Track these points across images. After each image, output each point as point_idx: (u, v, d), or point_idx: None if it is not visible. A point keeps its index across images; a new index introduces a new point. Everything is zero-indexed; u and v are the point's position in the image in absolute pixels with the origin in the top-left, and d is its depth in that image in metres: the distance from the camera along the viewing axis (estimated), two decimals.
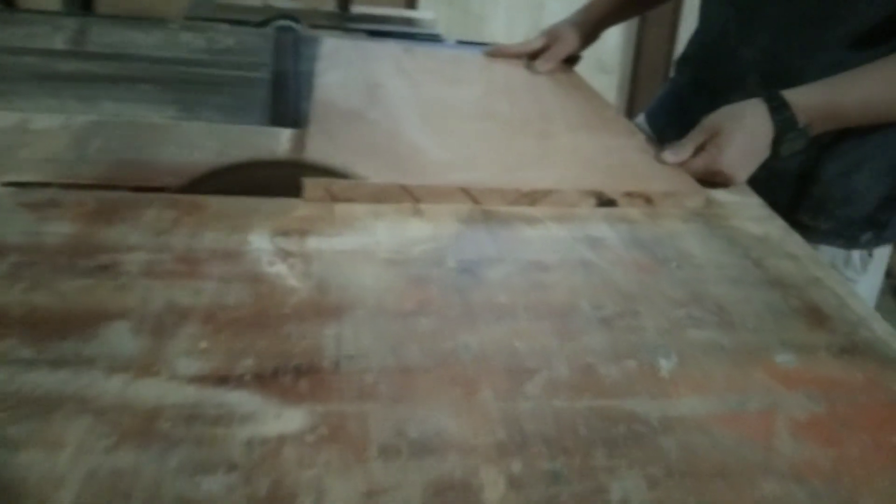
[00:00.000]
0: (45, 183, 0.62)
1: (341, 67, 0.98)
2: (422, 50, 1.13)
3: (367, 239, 0.60)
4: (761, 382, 0.50)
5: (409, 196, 0.66)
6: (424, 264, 0.57)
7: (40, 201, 0.59)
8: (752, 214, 0.72)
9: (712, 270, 0.61)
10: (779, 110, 0.76)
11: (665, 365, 0.50)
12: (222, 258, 0.55)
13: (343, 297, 0.53)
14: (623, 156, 0.79)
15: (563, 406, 0.45)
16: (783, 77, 0.82)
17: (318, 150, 0.70)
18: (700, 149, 0.78)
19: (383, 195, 0.65)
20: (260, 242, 0.58)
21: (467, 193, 0.67)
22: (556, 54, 1.10)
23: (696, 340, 0.53)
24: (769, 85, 0.80)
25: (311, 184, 0.64)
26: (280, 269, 0.55)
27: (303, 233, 0.60)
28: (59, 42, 1.04)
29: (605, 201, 0.70)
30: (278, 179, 0.64)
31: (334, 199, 0.64)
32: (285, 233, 0.59)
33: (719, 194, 0.76)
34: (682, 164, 0.77)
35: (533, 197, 0.68)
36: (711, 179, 0.77)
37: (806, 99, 0.76)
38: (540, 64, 1.08)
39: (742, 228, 0.69)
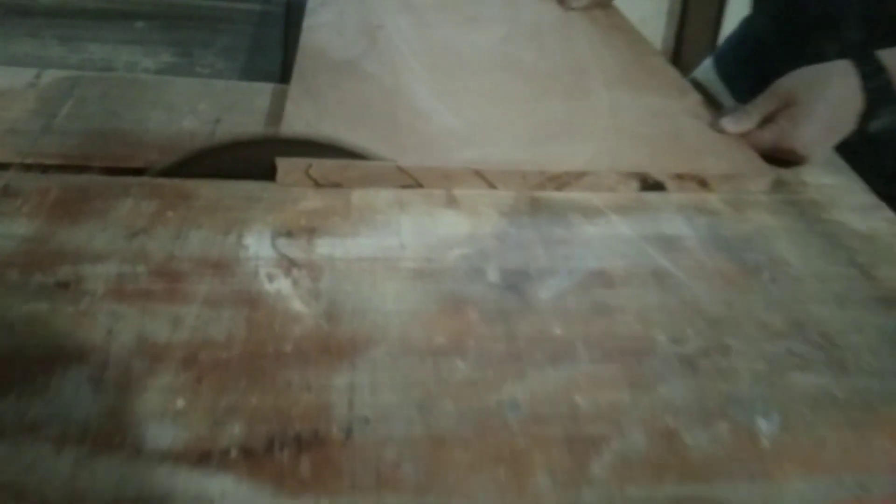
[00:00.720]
0: (2, 164, 0.51)
1: (336, 2, 0.82)
2: None
3: (389, 240, 0.49)
4: (887, 453, 0.39)
5: (407, 179, 0.54)
6: (460, 277, 0.46)
7: None
8: (853, 203, 0.60)
9: (813, 284, 0.50)
10: (873, 77, 0.60)
11: (765, 428, 0.39)
12: (211, 269, 0.44)
13: (359, 327, 0.42)
14: (672, 122, 0.64)
15: (641, 496, 0.35)
16: (890, 24, 0.67)
17: (296, 116, 0.57)
18: (769, 119, 0.63)
19: (376, 178, 0.53)
20: (258, 246, 0.47)
21: (481, 177, 0.55)
22: None
23: (801, 388, 0.42)
24: (870, 32, 0.66)
25: (285, 165, 0.52)
26: (282, 285, 0.44)
27: (311, 232, 0.49)
28: None
29: (651, 184, 0.57)
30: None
31: (316, 183, 0.53)
32: (290, 232, 0.48)
33: (806, 173, 0.63)
34: (744, 135, 0.63)
35: (561, 180, 0.56)
36: (780, 157, 0.63)
37: None
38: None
39: (844, 223, 0.57)
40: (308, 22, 0.75)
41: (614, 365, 0.42)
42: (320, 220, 0.50)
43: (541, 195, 0.55)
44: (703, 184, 0.58)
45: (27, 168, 0.51)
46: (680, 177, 0.57)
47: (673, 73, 0.74)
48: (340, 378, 0.39)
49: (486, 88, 0.66)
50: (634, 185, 0.57)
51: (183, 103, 0.60)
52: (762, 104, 0.64)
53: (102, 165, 0.52)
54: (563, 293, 0.46)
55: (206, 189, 0.51)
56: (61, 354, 0.38)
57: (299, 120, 0.56)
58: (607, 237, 0.52)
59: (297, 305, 0.43)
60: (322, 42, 0.71)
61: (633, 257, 0.50)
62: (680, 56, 2.11)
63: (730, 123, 0.63)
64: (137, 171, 0.52)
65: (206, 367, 0.38)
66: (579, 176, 0.56)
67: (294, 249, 0.47)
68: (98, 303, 0.41)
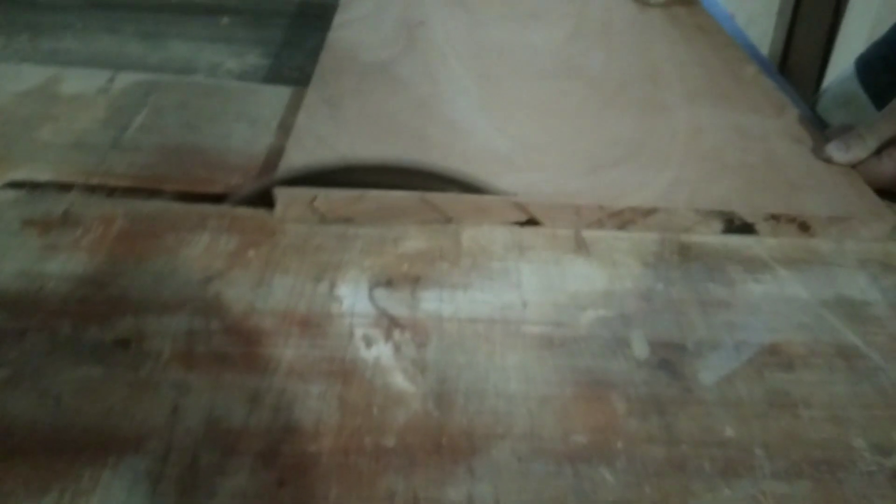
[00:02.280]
0: (65, 184, 0.44)
1: None
2: None
3: (508, 295, 0.40)
4: None
5: (433, 212, 0.44)
6: (599, 349, 0.37)
7: (52, 218, 0.42)
8: None
9: None
10: None
11: None
12: (298, 328, 0.37)
13: (476, 415, 0.33)
14: (766, 147, 0.52)
15: None
16: None
17: (307, 130, 0.48)
18: (889, 144, 0.51)
19: (394, 212, 0.44)
20: (354, 298, 0.39)
21: (523, 210, 0.45)
22: None
23: None
24: None
25: (284, 197, 0.43)
26: (381, 352, 0.36)
27: (415, 281, 0.40)
28: None
29: (737, 226, 0.46)
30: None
31: (323, 218, 0.44)
32: (390, 280, 0.40)
33: None
34: (856, 166, 0.51)
35: (624, 217, 0.45)
36: None
37: None
38: None
39: None
40: (339, 17, 0.65)
41: (805, 482, 0.32)
42: (425, 266, 0.41)
43: (691, 240, 0.45)
44: (803, 227, 0.47)
45: (91, 190, 0.44)
46: (774, 217, 0.46)
47: (768, 84, 0.62)
48: (456, 489, 0.30)
49: (540, 100, 0.56)
50: (717, 226, 0.46)
51: (270, 116, 0.52)
52: (881, 127, 0.51)
53: (176, 189, 0.45)
54: (730, 376, 0.37)
55: (293, 223, 0.43)
56: (115, 439, 0.31)
57: (310, 135, 0.47)
58: (777, 300, 0.42)
59: (400, 381, 0.35)
60: (351, 41, 0.61)
61: (812, 329, 0.40)
62: (788, 60, 1.96)
63: (838, 150, 0.51)
64: (216, 198, 0.44)
65: (290, 465, 0.30)
66: (648, 213, 0.45)
67: (395, 304, 0.39)
68: (162, 369, 0.34)
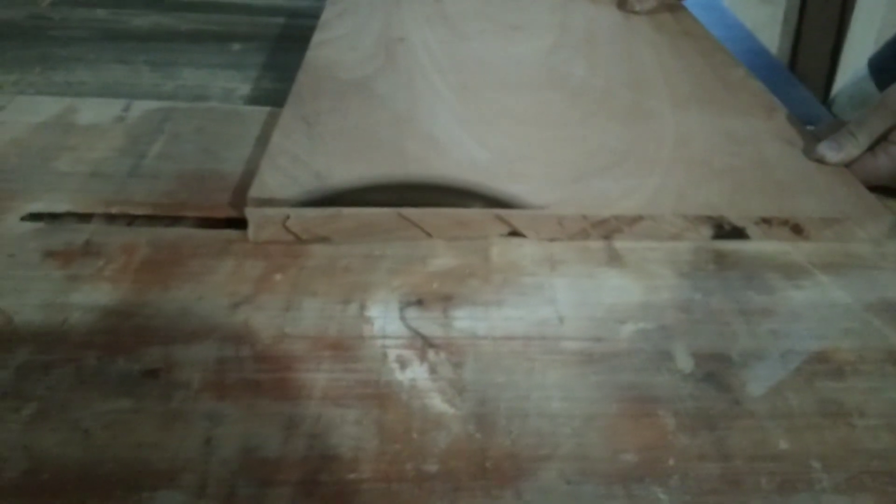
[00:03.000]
0: (85, 214, 0.43)
1: (355, 13, 0.72)
2: None
3: (543, 310, 0.39)
4: None
5: (410, 227, 0.43)
6: (641, 364, 0.36)
7: (73, 248, 0.41)
8: None
9: None
10: None
11: None
12: (330, 351, 0.36)
13: (519, 436, 0.32)
14: (757, 150, 0.51)
15: None
16: None
17: (280, 149, 0.47)
18: (882, 139, 0.50)
19: (372, 229, 0.43)
20: (385, 319, 0.38)
21: (504, 222, 0.44)
22: None
23: None
24: None
25: (256, 217, 0.42)
26: (417, 373, 0.35)
27: (446, 300, 0.39)
28: None
29: (728, 231, 0.45)
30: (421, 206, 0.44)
31: (297, 238, 0.42)
32: (420, 300, 0.39)
33: None
34: (850, 165, 0.50)
35: (609, 226, 0.44)
36: None
37: None
38: (636, 1, 0.78)
39: None
40: (318, 36, 0.65)
41: (868, 495, 0.31)
42: (456, 284, 0.40)
43: (727, 247, 0.44)
44: (796, 230, 0.45)
45: (112, 219, 0.43)
46: (766, 221, 0.45)
47: (758, 86, 0.61)
48: None
49: (523, 111, 0.55)
50: (706, 231, 0.45)
51: None
52: (871, 122, 0.50)
53: (199, 216, 0.44)
54: (779, 386, 0.35)
55: (320, 245, 0.42)
56: (148, 473, 0.30)
57: (285, 154, 0.46)
58: (820, 305, 0.41)
59: (439, 403, 0.33)
60: (330, 59, 0.61)
61: (859, 334, 0.39)
62: (795, 67, 1.95)
63: (830, 150, 0.50)
64: (238, 223, 0.43)
65: (330, 494, 0.29)
66: (633, 221, 0.44)
67: (428, 324, 0.38)
68: (193, 399, 0.33)
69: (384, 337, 0.37)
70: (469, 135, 0.51)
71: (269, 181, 0.44)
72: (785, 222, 0.45)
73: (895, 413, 0.35)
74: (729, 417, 0.34)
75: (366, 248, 0.42)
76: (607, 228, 0.44)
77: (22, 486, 0.29)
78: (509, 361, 0.36)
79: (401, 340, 0.37)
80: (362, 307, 0.38)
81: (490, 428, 0.32)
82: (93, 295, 0.38)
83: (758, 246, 0.45)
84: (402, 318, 0.38)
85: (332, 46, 0.64)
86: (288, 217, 0.42)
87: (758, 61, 0.77)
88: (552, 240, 0.44)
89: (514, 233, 0.44)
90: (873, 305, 0.41)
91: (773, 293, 0.41)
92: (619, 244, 0.44)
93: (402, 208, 0.42)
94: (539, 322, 0.38)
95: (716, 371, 0.36)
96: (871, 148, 0.50)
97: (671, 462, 0.31)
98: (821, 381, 0.36)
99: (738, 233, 0.45)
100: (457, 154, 0.48)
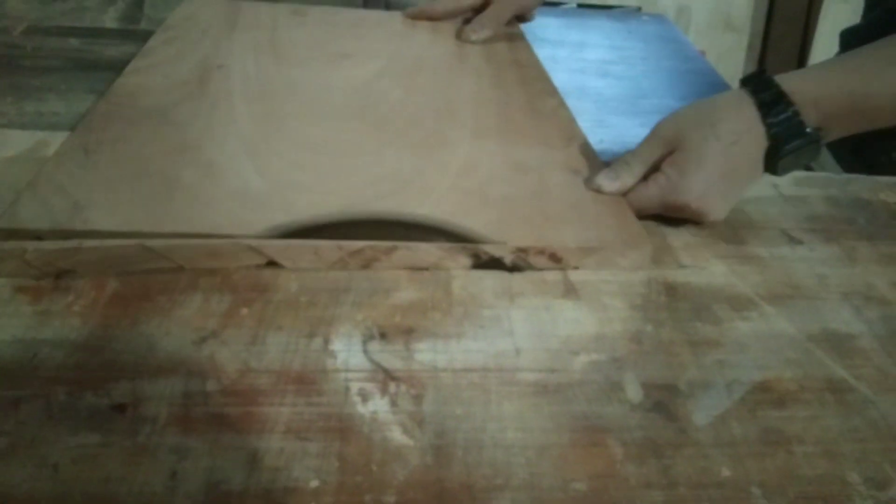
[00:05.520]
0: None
1: (183, 39, 0.70)
2: (320, 11, 0.81)
3: (501, 342, 0.41)
4: None
5: (158, 258, 0.43)
6: (593, 394, 0.38)
7: (43, 284, 0.42)
8: None
9: None
10: (772, 105, 0.48)
11: None
12: (294, 385, 0.37)
13: (475, 467, 0.34)
14: (539, 180, 0.52)
15: None
16: None
17: (46, 178, 0.46)
18: (655, 169, 0.51)
19: (116, 260, 0.42)
20: (348, 353, 0.39)
21: (258, 252, 0.44)
22: (496, 15, 0.79)
23: None
24: None
25: None
26: (378, 406, 0.36)
27: (408, 333, 0.41)
28: (108, 19, 0.87)
29: (486, 261, 0.46)
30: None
31: (40, 272, 0.42)
32: (384, 333, 0.40)
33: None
34: (626, 194, 0.51)
35: (366, 256, 0.45)
36: (674, 215, 0.51)
37: (817, 85, 0.49)
38: (471, 30, 0.77)
39: None
40: (134, 64, 0.64)
41: None
42: (418, 317, 0.42)
43: (677, 280, 0.46)
44: (554, 259, 0.46)
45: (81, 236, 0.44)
46: (522, 250, 0.46)
47: (566, 116, 0.62)
48: None
49: (321, 139, 0.55)
50: (464, 261, 0.46)
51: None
52: (644, 152, 0.51)
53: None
54: (724, 416, 0.37)
55: (285, 279, 0.43)
56: None
57: (49, 183, 0.46)
58: (765, 336, 0.43)
59: (398, 436, 0.35)
60: (138, 86, 0.60)
61: (801, 364, 0.41)
62: None
63: (607, 179, 0.51)
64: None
65: None
66: (389, 250, 0.45)
67: (390, 357, 0.39)
68: (160, 433, 0.34)
69: (347, 370, 0.38)
70: (252, 163, 0.50)
71: (22, 212, 0.43)
72: (541, 252, 0.46)
73: (832, 440, 0.37)
74: (675, 446, 0.35)
75: (333, 280, 0.44)
76: (364, 258, 0.45)
77: None
78: (467, 394, 0.37)
79: (363, 374, 0.38)
80: (326, 341, 0.40)
81: (447, 459, 0.34)
82: (62, 331, 0.39)
83: (706, 278, 0.47)
84: (365, 352, 0.39)
85: (144, 73, 0.62)
86: (26, 251, 0.41)
87: (709, 86, 0.80)
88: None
89: (272, 262, 0.44)
90: (815, 336, 0.43)
91: (720, 324, 0.43)
92: (575, 276, 0.46)
93: (146, 240, 0.42)
94: (497, 354, 0.40)
95: (663, 401, 0.38)
96: (646, 178, 0.51)
97: (618, 490, 0.33)
98: (763, 411, 0.38)
99: (496, 263, 0.46)
100: (232, 182, 0.48)
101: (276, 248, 0.44)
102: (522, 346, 0.41)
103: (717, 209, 0.50)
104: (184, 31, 0.72)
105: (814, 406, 0.38)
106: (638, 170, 0.51)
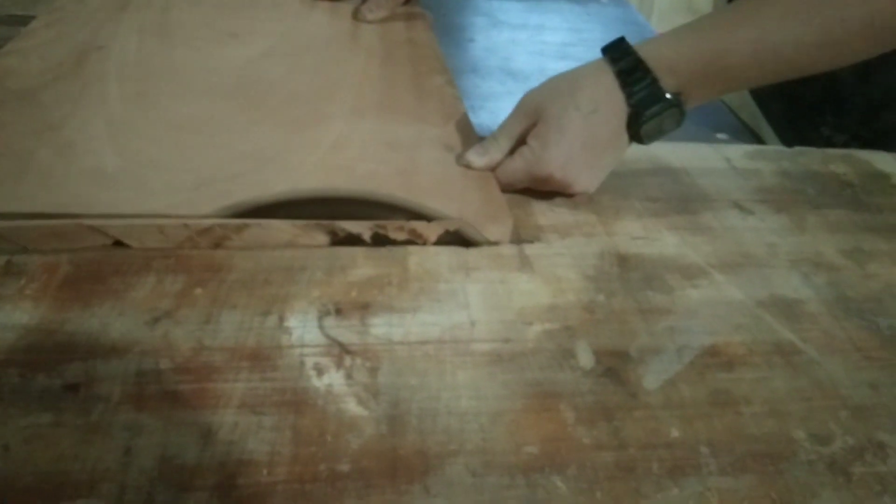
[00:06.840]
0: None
1: (67, 22, 0.68)
2: None
3: (456, 315, 0.41)
4: None
5: (4, 242, 0.42)
6: (546, 362, 0.38)
7: None
8: None
9: None
10: (630, 73, 0.48)
11: None
12: (248, 362, 0.37)
13: (429, 434, 0.34)
14: (410, 157, 0.51)
15: None
16: None
17: None
18: (522, 142, 0.51)
19: None
20: (303, 329, 0.39)
21: (100, 232, 0.42)
22: None
23: None
24: None
25: None
26: (333, 379, 0.36)
27: (364, 308, 0.41)
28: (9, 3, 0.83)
29: (343, 238, 0.45)
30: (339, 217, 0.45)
31: None
32: (339, 309, 0.41)
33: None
34: (495, 169, 0.51)
35: (215, 234, 0.44)
36: (542, 188, 0.51)
37: (674, 48, 0.48)
38: (367, 9, 0.77)
39: None
40: (11, 45, 0.62)
41: (750, 476, 0.33)
42: (374, 292, 0.42)
43: (629, 251, 0.47)
44: (414, 234, 0.46)
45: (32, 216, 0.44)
46: (381, 226, 0.46)
47: (450, 94, 0.62)
48: None
49: (190, 119, 0.53)
50: (321, 238, 0.45)
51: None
52: (510, 126, 0.51)
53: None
54: (673, 379, 0.38)
55: (241, 259, 0.44)
56: (67, 484, 0.31)
57: None
58: (715, 303, 0.43)
59: (353, 407, 0.35)
60: (11, 68, 0.58)
61: (749, 329, 0.42)
62: None
63: (476, 155, 0.51)
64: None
65: (246, 496, 0.31)
66: (240, 229, 0.44)
67: (345, 332, 0.39)
68: (113, 411, 0.34)
69: (302, 346, 0.38)
70: (111, 143, 0.49)
71: None
72: (401, 227, 0.46)
73: (779, 400, 0.38)
74: (625, 409, 0.36)
75: (289, 259, 0.44)
76: (214, 236, 0.44)
77: None
78: (423, 364, 0.38)
79: (318, 349, 0.38)
80: (281, 318, 0.40)
81: (402, 428, 0.34)
82: (13, 315, 0.38)
83: (659, 249, 0.47)
84: (321, 327, 0.39)
85: (20, 55, 0.61)
86: None
87: None
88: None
89: (118, 242, 0.43)
90: (764, 302, 0.44)
91: (671, 293, 0.44)
92: (530, 249, 0.46)
93: None
94: (452, 326, 0.40)
95: (615, 367, 0.38)
96: (512, 153, 0.51)
97: (570, 453, 0.34)
98: (712, 374, 0.39)
99: (354, 239, 0.46)
100: (88, 162, 0.47)
101: (120, 228, 0.43)
102: (478, 318, 0.41)
103: (582, 179, 0.50)
104: (69, 14, 0.70)
105: (762, 368, 0.39)
106: (505, 144, 0.51)
